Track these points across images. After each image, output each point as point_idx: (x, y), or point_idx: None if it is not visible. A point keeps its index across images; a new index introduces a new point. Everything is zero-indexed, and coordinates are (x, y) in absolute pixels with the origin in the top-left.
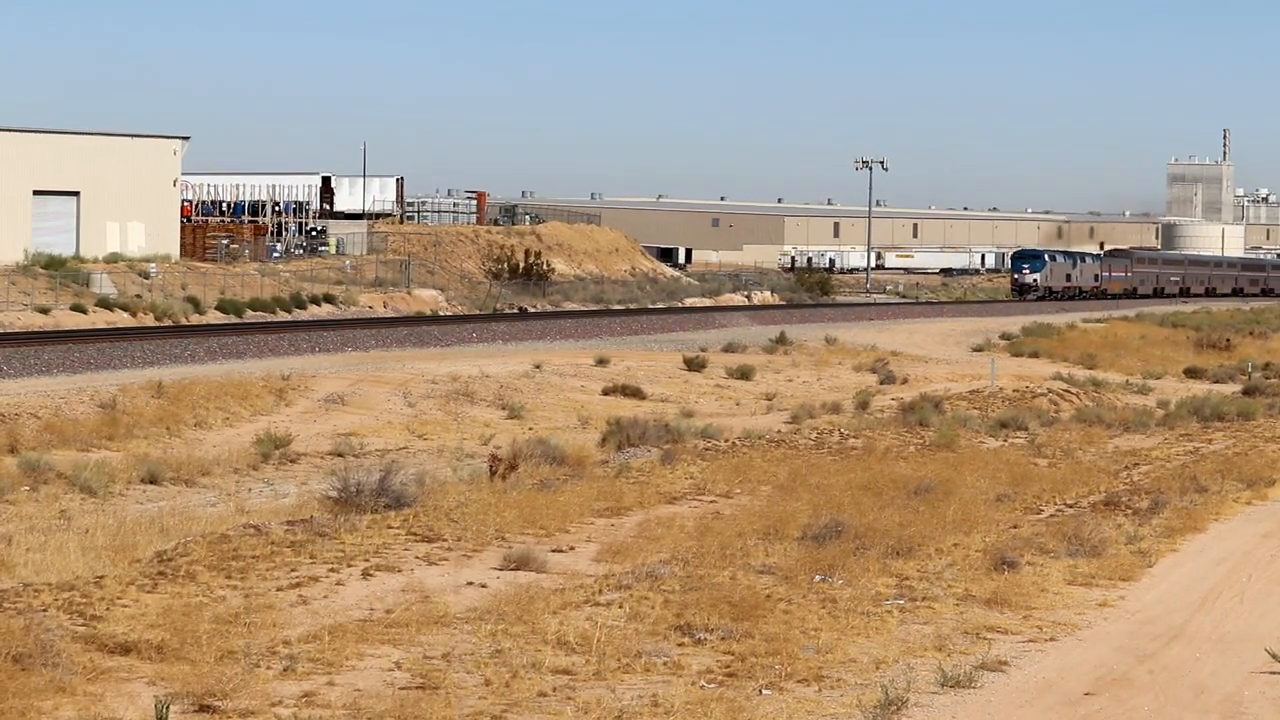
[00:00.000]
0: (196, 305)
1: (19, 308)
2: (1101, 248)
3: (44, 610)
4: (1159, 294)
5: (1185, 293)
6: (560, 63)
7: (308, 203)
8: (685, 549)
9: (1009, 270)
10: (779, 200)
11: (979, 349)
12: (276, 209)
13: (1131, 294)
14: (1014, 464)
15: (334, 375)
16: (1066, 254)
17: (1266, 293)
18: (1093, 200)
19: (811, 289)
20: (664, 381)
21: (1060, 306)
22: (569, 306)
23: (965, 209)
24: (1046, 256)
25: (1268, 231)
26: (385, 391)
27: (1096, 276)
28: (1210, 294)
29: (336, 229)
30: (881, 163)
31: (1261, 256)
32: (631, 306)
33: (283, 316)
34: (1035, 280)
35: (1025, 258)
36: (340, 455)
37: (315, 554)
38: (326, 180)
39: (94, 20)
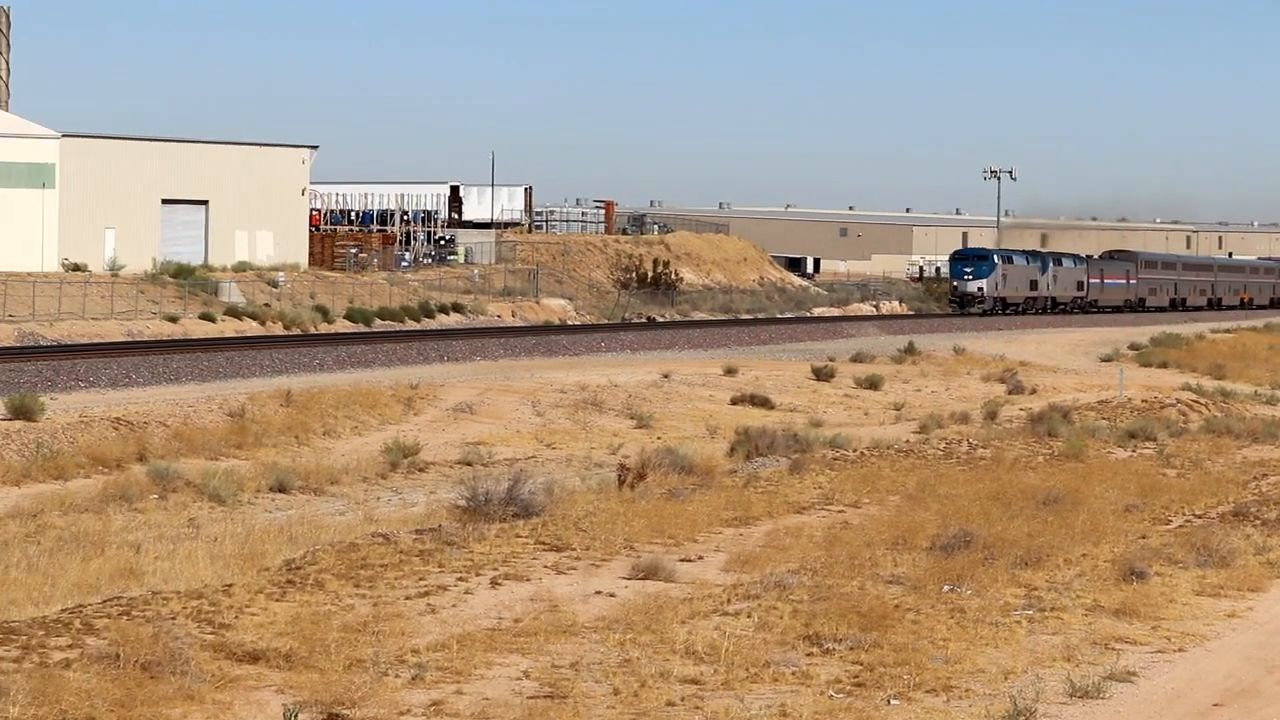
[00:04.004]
0: (325, 314)
1: (148, 316)
2: (1230, 257)
3: (173, 618)
4: (1178, 307)
5: (1216, 305)
6: (690, 73)
7: (436, 212)
8: (814, 559)
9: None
10: (907, 210)
11: (1107, 359)
12: (405, 218)
13: (1137, 306)
14: (1143, 474)
15: (462, 384)
16: (1031, 255)
17: None
18: (1220, 209)
19: (940, 299)
20: (792, 391)
21: (1188, 316)
22: (697, 316)
23: (1094, 219)
24: (996, 258)
25: None
26: (514, 400)
27: (1081, 284)
28: (1246, 306)
29: (465, 238)
30: (1010, 172)
31: None
32: (760, 316)
33: (411, 325)
34: (980, 289)
35: (967, 259)
36: (469, 464)
37: (444, 563)
38: (455, 189)
39: (224, 30)
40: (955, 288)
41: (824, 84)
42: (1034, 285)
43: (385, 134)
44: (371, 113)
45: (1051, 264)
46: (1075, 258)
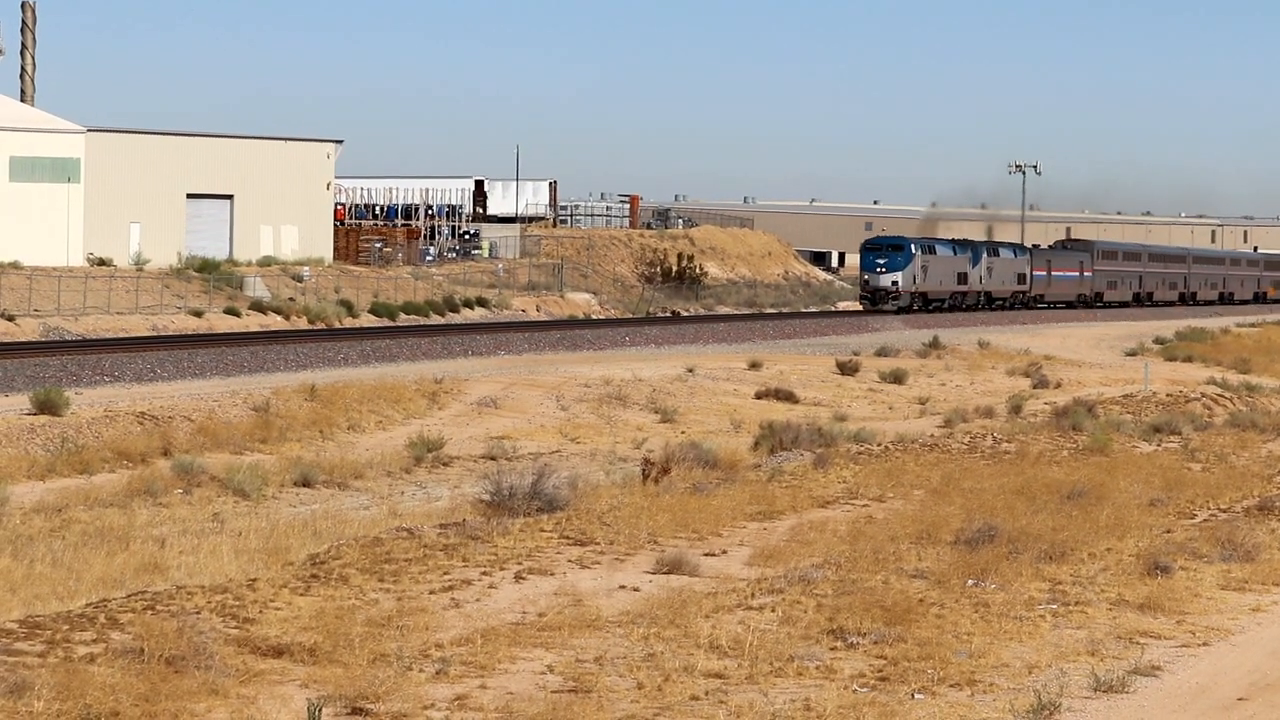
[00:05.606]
0: (349, 308)
1: (173, 311)
2: (1255, 251)
3: (197, 612)
4: (1142, 301)
5: (1189, 299)
6: (714, 67)
7: (461, 206)
8: (838, 553)
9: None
10: (932, 204)
11: (1132, 353)
12: (430, 212)
13: (1092, 302)
14: (1167, 469)
15: (487, 378)
16: (960, 244)
17: None
18: (1245, 203)
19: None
20: (817, 385)
21: (1212, 311)
22: (721, 310)
23: (1119, 213)
24: (914, 247)
25: None
26: (538, 395)
27: (1022, 278)
28: (1225, 300)
29: (489, 232)
30: (1035, 167)
31: None
32: (784, 310)
33: (435, 320)
34: (895, 283)
35: (880, 249)
36: (493, 458)
37: (468, 557)
38: (480, 184)
39: (249, 24)
40: (866, 281)
41: (848, 78)
42: (963, 279)
43: (410, 128)
44: (396, 107)
45: (985, 254)
46: (1017, 247)
